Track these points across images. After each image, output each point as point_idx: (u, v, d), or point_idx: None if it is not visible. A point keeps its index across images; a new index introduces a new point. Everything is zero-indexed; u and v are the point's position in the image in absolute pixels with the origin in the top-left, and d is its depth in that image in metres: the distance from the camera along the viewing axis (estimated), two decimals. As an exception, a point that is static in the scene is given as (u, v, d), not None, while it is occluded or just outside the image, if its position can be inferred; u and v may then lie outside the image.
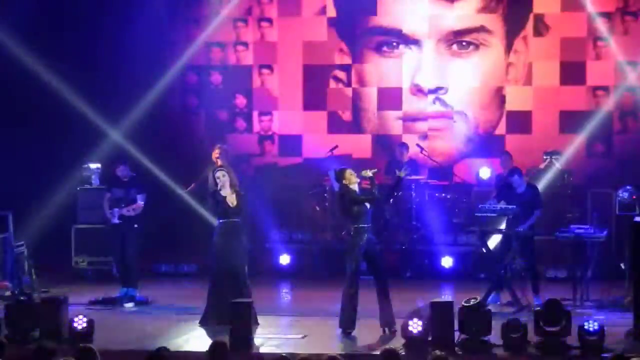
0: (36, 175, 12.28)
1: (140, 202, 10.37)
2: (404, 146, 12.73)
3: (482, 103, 13.42)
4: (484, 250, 10.15)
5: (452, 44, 13.41)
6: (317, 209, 12.45)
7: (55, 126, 12.68)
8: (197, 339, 8.59)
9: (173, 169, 12.26)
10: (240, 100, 13.91)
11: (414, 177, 12.18)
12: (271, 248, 12.13)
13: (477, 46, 13.37)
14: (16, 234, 11.11)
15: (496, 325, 8.15)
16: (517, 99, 13.30)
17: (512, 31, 13.22)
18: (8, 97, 12.54)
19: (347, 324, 8.74)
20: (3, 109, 12.56)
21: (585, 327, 7.89)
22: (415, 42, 13.49)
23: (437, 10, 13.41)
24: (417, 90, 13.57)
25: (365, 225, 8.74)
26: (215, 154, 11.01)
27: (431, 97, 13.51)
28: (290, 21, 13.67)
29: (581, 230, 9.88)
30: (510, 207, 9.78)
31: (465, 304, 8.22)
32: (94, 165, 11.97)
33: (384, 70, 13.61)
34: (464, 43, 13.37)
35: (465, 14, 13.36)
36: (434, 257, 11.68)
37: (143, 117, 12.94)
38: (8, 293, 10.33)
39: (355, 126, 13.63)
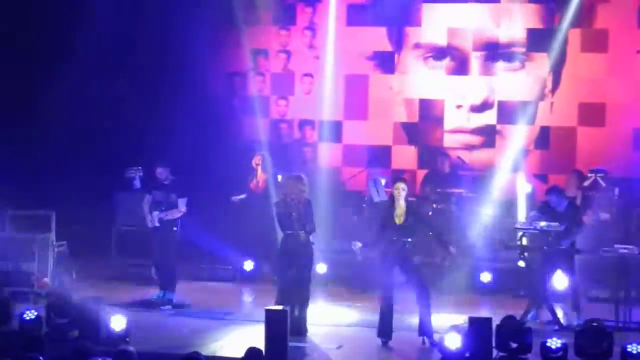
0: (80, 176, 12.39)
1: (182, 208, 10.40)
2: (446, 156, 12.64)
3: (524, 118, 13.29)
4: (525, 266, 9.98)
5: (497, 58, 13.31)
6: (355, 218, 12.35)
7: (99, 128, 12.79)
8: (232, 345, 8.58)
9: (216, 174, 12.29)
10: (282, 108, 13.95)
11: (454, 190, 12.06)
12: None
13: (522, 61, 13.25)
14: (58, 233, 11.21)
15: (535, 343, 8.02)
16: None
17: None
18: (51, 98, 12.67)
19: (383, 333, 8.72)
20: (48, 111, 12.69)
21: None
22: (460, 55, 13.40)
23: (482, 24, 13.35)
24: (461, 103, 13.48)
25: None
26: (257, 160, 11.00)
27: (474, 109, 13.42)
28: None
29: (625, 250, 9.70)
30: (552, 224, 9.64)
31: (504, 321, 8.10)
32: (136, 169, 12.02)
33: (428, 82, 13.55)
34: (509, 57, 13.26)
35: (511, 28, 13.27)
36: (474, 272, 11.53)
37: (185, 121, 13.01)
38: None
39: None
